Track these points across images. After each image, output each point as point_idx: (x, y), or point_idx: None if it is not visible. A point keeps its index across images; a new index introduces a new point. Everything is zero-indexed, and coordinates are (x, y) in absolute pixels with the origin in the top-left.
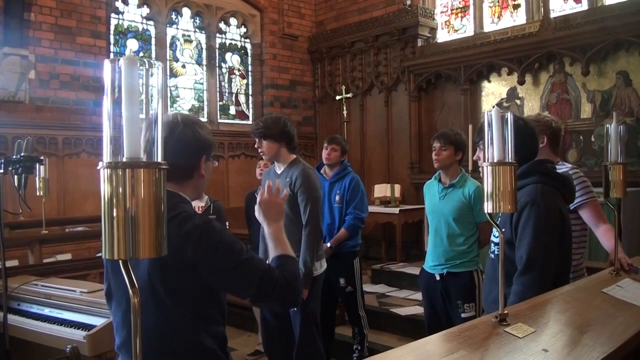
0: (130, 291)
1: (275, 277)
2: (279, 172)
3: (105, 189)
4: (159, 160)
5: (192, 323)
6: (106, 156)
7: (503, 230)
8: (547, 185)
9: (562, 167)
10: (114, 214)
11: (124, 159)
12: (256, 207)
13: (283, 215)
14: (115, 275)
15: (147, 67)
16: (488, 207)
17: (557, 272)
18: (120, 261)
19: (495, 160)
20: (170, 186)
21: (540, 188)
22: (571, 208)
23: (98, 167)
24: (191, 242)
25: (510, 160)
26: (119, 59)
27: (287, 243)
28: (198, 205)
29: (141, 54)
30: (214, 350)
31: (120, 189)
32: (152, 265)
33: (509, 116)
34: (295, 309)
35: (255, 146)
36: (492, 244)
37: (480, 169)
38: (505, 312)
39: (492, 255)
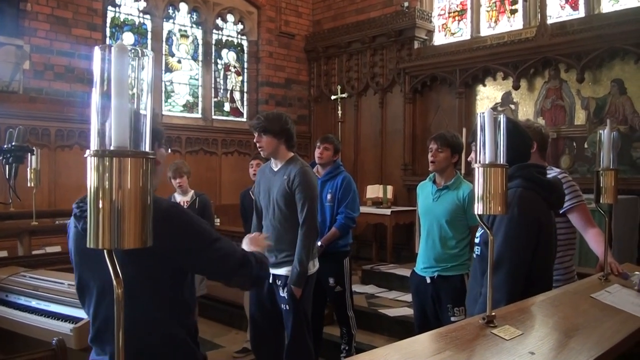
0: (115, 282)
1: (247, 255)
2: (275, 169)
3: (91, 177)
4: (147, 150)
5: (163, 314)
6: (94, 144)
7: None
8: (528, 190)
9: (551, 172)
10: (100, 203)
11: (112, 148)
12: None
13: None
14: (85, 266)
15: (138, 56)
16: (478, 208)
17: (536, 277)
18: (105, 251)
19: (486, 162)
20: None
21: (519, 192)
22: (560, 212)
23: (85, 155)
24: (159, 226)
25: (501, 162)
26: (109, 47)
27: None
28: (183, 199)
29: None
30: (186, 342)
31: (107, 178)
32: (122, 254)
33: (502, 118)
34: (288, 307)
35: (254, 140)
36: (476, 244)
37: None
38: (493, 314)
39: (474, 255)
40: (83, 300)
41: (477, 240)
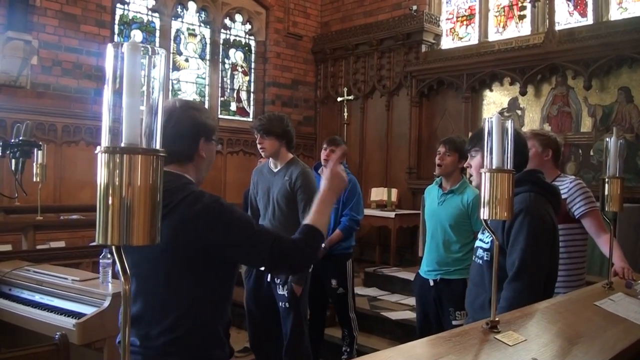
0: (122, 278)
1: (284, 245)
2: (275, 170)
3: (102, 174)
4: (158, 147)
5: (200, 302)
6: (105, 141)
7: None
8: (538, 194)
9: (565, 179)
10: (110, 200)
11: (122, 145)
12: (326, 171)
13: (340, 192)
14: (126, 254)
15: (149, 53)
16: (484, 213)
17: (549, 280)
18: (113, 247)
19: (494, 167)
20: (173, 168)
21: (533, 196)
22: (576, 217)
23: (96, 152)
24: (204, 219)
25: (508, 168)
26: (122, 44)
27: (324, 214)
28: None
29: None
30: (217, 332)
31: (117, 175)
32: (168, 242)
33: (510, 124)
34: (288, 304)
35: (257, 142)
36: (481, 250)
37: (469, 176)
38: (497, 319)
39: (480, 261)
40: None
41: (485, 246)
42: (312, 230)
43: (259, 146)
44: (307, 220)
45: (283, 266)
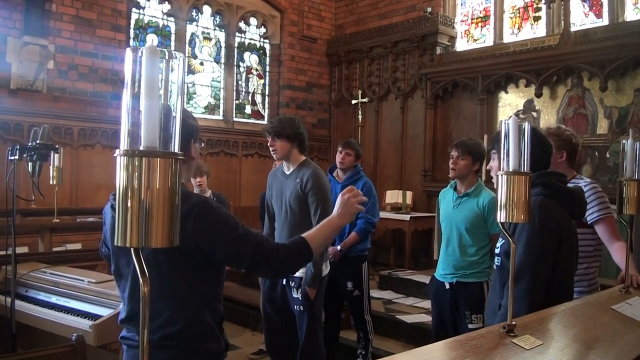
0: (141, 280)
1: (267, 250)
2: (287, 172)
3: (121, 177)
4: (176, 150)
5: (193, 298)
6: (123, 144)
7: (512, 239)
8: (548, 198)
9: (580, 182)
10: (129, 202)
11: (141, 148)
12: (342, 196)
13: (349, 221)
14: (120, 254)
15: (167, 57)
16: (501, 216)
17: (555, 287)
18: (132, 249)
19: (510, 170)
20: None
21: (539, 201)
22: (588, 223)
23: (115, 155)
24: (191, 218)
25: (525, 170)
26: (140, 49)
27: (325, 237)
28: None
29: None
30: (212, 326)
31: (136, 178)
32: None
33: (526, 126)
34: (302, 308)
35: (268, 144)
36: (496, 255)
37: (493, 179)
38: (513, 323)
39: (494, 266)
40: (118, 283)
41: (497, 251)
42: (303, 244)
43: (270, 148)
44: (306, 233)
45: (262, 271)
